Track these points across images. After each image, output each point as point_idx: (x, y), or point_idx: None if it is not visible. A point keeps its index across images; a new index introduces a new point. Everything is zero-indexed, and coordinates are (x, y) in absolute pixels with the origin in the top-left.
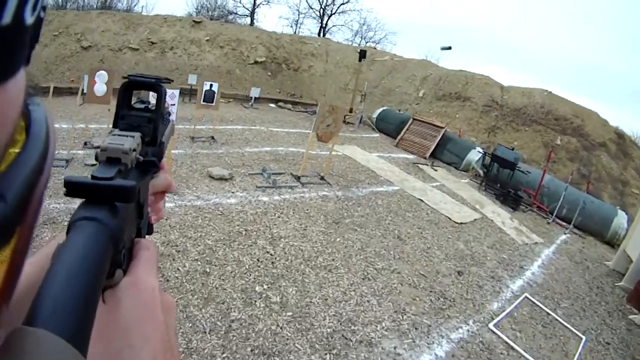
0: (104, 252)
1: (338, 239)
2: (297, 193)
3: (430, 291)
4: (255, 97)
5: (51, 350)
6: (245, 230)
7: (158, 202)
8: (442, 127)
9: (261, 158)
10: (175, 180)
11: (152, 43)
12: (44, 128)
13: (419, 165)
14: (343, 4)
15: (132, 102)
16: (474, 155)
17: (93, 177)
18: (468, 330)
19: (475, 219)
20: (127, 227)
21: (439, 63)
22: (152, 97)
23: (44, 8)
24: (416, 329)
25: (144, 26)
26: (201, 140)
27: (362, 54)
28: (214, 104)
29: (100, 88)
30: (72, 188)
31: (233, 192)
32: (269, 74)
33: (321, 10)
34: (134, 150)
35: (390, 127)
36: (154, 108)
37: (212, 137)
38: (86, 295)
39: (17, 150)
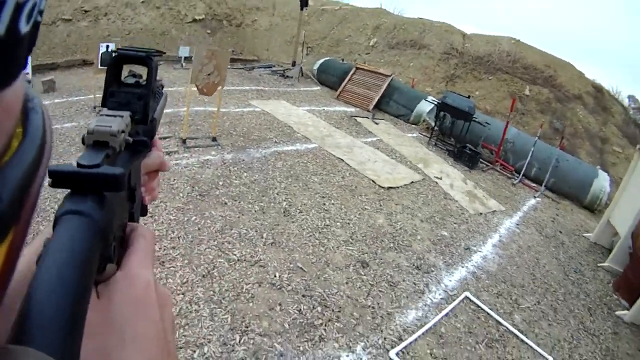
0: (91, 250)
1: (194, 218)
2: (172, 160)
3: (304, 295)
4: (185, 57)
5: None
6: None
7: (151, 182)
8: (388, 76)
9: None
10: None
11: (86, 11)
12: (41, 127)
13: (357, 119)
14: None
15: (124, 77)
16: (425, 106)
17: (79, 164)
18: None
19: (412, 182)
20: (117, 216)
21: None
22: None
23: (40, 12)
24: None
25: None
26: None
27: (304, 2)
28: None
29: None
30: (57, 178)
31: None
32: (208, 31)
33: None
34: (123, 131)
35: (332, 79)
36: (144, 83)
37: None
38: (74, 305)
39: (12, 152)
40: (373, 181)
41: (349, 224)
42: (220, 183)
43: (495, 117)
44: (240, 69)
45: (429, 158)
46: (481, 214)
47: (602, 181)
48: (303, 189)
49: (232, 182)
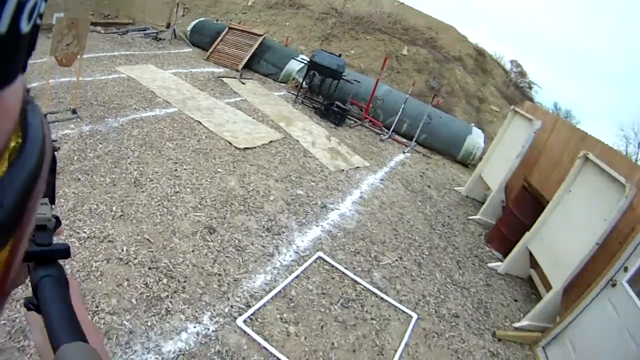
0: (66, 294)
1: None
2: None
3: (150, 267)
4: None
5: (84, 350)
6: None
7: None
8: (260, 35)
9: None
10: None
11: None
12: (41, 134)
13: (224, 79)
14: None
15: None
16: (295, 65)
17: (37, 244)
18: (197, 334)
19: (270, 142)
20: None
21: None
22: None
23: (40, 16)
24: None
25: None
26: None
27: None
28: None
29: None
30: (27, 256)
31: None
32: None
33: None
34: (52, 216)
35: (205, 40)
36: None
37: None
38: (72, 315)
39: (14, 156)
40: (229, 143)
41: (199, 189)
42: (75, 158)
43: (370, 75)
44: (114, 33)
45: (293, 116)
46: (342, 170)
47: (475, 137)
48: (156, 156)
49: (87, 155)
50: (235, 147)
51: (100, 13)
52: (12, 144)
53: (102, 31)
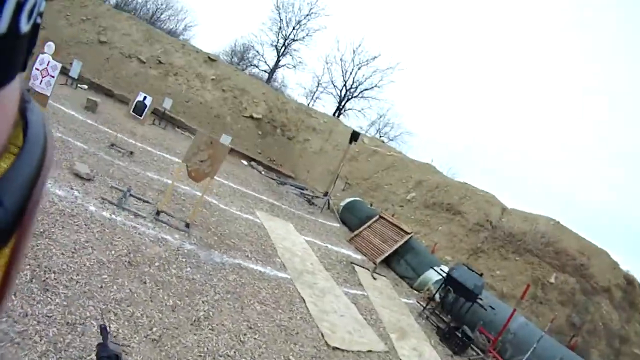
0: None
1: (104, 277)
2: (133, 222)
3: None
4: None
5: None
6: None
7: None
8: (408, 233)
9: (149, 185)
10: None
11: (160, 62)
12: (42, 133)
13: (356, 267)
14: (366, 89)
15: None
16: (434, 274)
17: None
18: None
19: (369, 350)
20: None
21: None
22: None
23: (40, 14)
24: None
25: (161, 44)
26: (118, 150)
27: (354, 136)
28: (142, 117)
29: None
30: None
31: (72, 189)
32: (260, 132)
33: (343, 90)
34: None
35: (354, 221)
36: None
37: (131, 152)
38: None
39: (15, 155)
40: (322, 335)
41: None
42: (156, 264)
43: (511, 302)
44: (273, 179)
45: (410, 331)
46: None
47: None
48: (235, 310)
49: (169, 269)
50: (326, 342)
51: (268, 155)
52: (12, 143)
53: (262, 172)
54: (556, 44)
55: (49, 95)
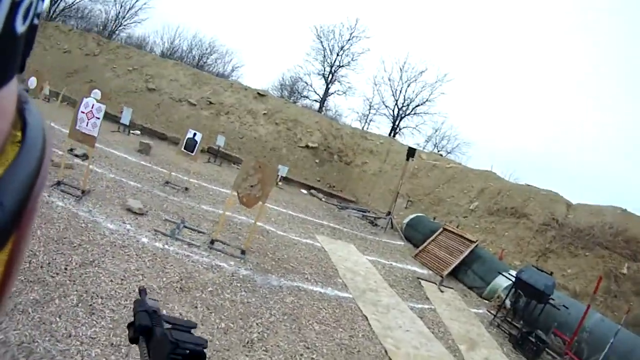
0: None
1: (160, 308)
2: (187, 251)
3: None
4: (282, 177)
5: None
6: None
7: None
8: (472, 242)
9: (204, 217)
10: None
11: (211, 103)
12: (40, 133)
13: (422, 282)
14: (418, 105)
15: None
16: (503, 281)
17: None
18: None
19: None
20: None
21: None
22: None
23: (37, 15)
24: None
25: (210, 86)
26: (173, 187)
27: (411, 152)
28: (193, 153)
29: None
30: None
31: (124, 223)
32: (317, 160)
33: (395, 109)
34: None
35: (418, 236)
36: None
37: (186, 188)
38: None
39: (13, 155)
40: (386, 351)
41: None
42: (210, 289)
43: (585, 300)
44: (334, 205)
45: (480, 341)
46: None
47: None
48: (292, 331)
49: (222, 293)
50: (390, 358)
51: (327, 182)
52: (14, 146)
53: (322, 199)
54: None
55: (95, 136)
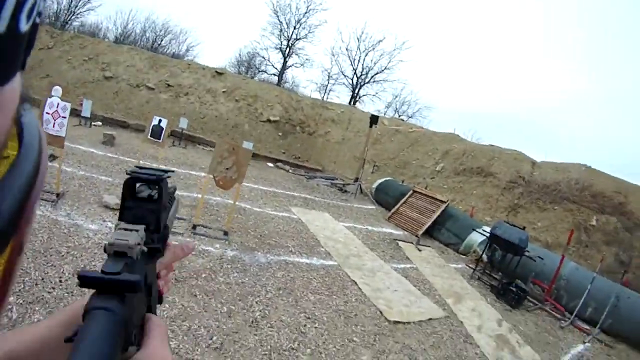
0: (116, 337)
1: (163, 303)
2: (172, 240)
3: None
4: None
5: None
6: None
7: (167, 274)
8: (443, 202)
9: (180, 203)
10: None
11: (169, 85)
12: (37, 138)
13: (400, 243)
14: (377, 73)
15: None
16: (477, 236)
17: (103, 271)
18: None
19: (429, 319)
20: (137, 309)
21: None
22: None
23: (39, 14)
24: None
25: (167, 69)
26: None
27: (373, 119)
28: (160, 140)
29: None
30: (85, 281)
31: (104, 221)
32: (280, 134)
33: (354, 78)
34: (139, 244)
35: (388, 199)
36: (157, 198)
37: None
38: None
39: (10, 161)
40: (380, 312)
41: (321, 353)
42: (204, 275)
43: (557, 250)
44: (301, 175)
45: (464, 294)
46: None
47: None
48: (290, 304)
49: (217, 277)
50: (385, 318)
51: (292, 154)
52: (12, 152)
53: (289, 170)
54: None
55: (64, 136)
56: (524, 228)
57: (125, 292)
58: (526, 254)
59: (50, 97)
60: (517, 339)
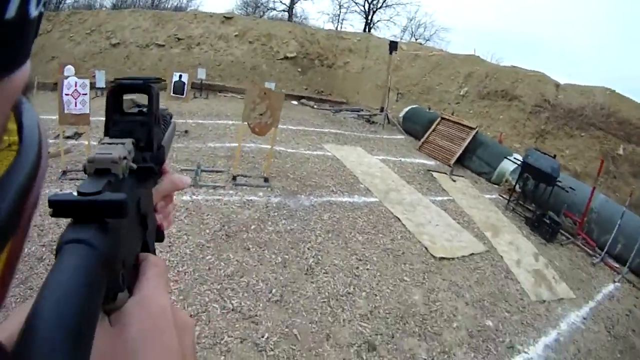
0: (95, 278)
1: (209, 257)
2: (215, 195)
3: None
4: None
5: None
6: None
7: (167, 206)
8: (473, 129)
9: (216, 155)
10: None
11: (179, 39)
12: (37, 134)
13: (434, 174)
14: None
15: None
16: (509, 164)
17: (79, 192)
18: None
19: (472, 254)
20: (126, 244)
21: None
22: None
23: (44, 4)
24: None
25: (173, 23)
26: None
27: (393, 46)
28: (184, 95)
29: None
30: (58, 207)
31: None
32: (299, 70)
33: (366, 5)
34: (125, 158)
35: (417, 128)
36: (147, 111)
37: (186, 131)
38: (77, 335)
39: (11, 158)
40: (426, 248)
41: (376, 295)
42: (253, 227)
43: (586, 180)
44: (327, 110)
45: (501, 226)
46: (544, 301)
47: None
48: (340, 247)
49: (266, 227)
50: (432, 255)
51: (314, 89)
52: (11, 153)
53: (314, 106)
54: None
55: (88, 112)
56: (554, 156)
57: (107, 216)
58: (558, 184)
59: (65, 79)
60: (554, 274)
